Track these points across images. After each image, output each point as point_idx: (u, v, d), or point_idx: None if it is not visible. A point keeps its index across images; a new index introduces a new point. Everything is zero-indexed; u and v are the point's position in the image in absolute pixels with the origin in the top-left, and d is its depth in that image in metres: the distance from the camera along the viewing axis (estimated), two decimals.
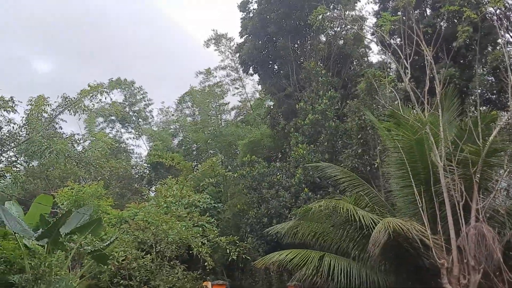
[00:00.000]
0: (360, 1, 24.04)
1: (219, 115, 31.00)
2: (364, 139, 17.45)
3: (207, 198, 16.80)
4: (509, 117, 10.53)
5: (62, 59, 56.13)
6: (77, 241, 11.79)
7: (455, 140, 10.33)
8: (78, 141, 13.49)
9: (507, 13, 15.67)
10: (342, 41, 23.90)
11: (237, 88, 32.79)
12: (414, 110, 11.82)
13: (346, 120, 19.23)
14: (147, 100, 33.54)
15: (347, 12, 22.75)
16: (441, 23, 17.33)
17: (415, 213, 10.86)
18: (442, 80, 11.45)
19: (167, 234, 12.64)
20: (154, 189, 15.28)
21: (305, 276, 10.81)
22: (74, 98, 12.25)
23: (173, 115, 34.45)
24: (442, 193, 10.23)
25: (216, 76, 32.28)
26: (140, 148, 47.09)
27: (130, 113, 32.24)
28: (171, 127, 34.04)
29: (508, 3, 14.73)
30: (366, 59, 23.90)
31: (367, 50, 24.21)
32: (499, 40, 15.29)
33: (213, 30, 32.93)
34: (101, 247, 11.62)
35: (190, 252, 12.98)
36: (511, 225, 10.03)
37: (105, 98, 12.86)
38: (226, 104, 32.04)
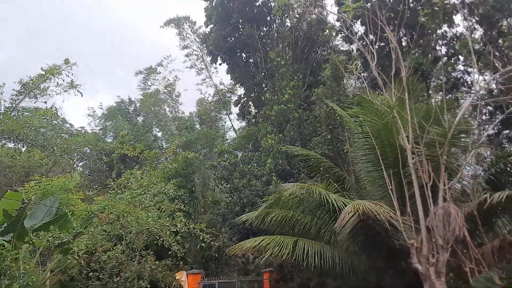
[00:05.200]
0: None
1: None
2: (332, 126, 17.63)
3: (174, 187, 16.52)
4: (473, 100, 10.84)
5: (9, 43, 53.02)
6: (45, 236, 11.43)
7: (422, 123, 10.56)
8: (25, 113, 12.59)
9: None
10: (306, 25, 23.61)
11: (204, 80, 30.84)
12: (381, 95, 11.99)
13: (315, 108, 19.36)
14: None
15: None
16: (403, 8, 17.63)
17: (385, 195, 11.05)
18: (408, 65, 11.64)
19: (133, 225, 12.46)
20: (120, 181, 14.90)
21: (280, 260, 10.87)
22: (32, 83, 11.62)
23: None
24: (411, 175, 10.44)
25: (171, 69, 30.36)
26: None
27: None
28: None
29: None
30: (331, 44, 23.80)
31: (333, 34, 24.06)
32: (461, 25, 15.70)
33: (176, 15, 29.88)
34: (69, 240, 11.32)
35: (162, 241, 12.82)
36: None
37: (63, 80, 12.19)
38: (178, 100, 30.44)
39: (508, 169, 11.22)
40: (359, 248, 11.66)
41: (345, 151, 16.47)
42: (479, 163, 15.31)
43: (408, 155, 10.51)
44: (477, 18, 16.13)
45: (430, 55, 17.38)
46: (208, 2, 25.52)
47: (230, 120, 28.61)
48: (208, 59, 28.58)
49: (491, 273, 8.65)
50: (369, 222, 10.44)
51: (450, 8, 14.61)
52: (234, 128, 28.32)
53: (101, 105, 29.98)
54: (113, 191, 14.61)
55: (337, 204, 10.17)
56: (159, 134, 30.12)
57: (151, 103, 28.76)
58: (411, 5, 17.26)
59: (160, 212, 13.39)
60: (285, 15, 21.38)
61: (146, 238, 13.02)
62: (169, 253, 13.54)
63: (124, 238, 12.85)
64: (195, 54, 30.09)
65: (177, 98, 30.13)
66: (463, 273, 9.26)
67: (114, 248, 12.70)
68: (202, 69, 30.65)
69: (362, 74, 17.84)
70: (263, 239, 11.29)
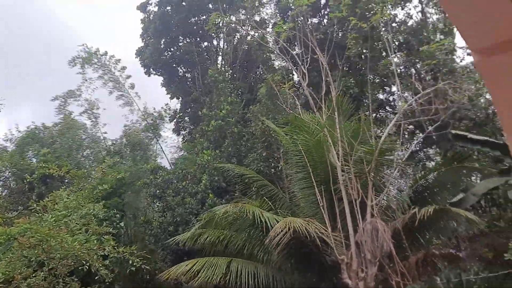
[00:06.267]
0: (264, 6, 24.43)
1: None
2: (268, 142, 17.83)
3: (103, 209, 15.63)
4: (397, 119, 11.46)
5: None
6: None
7: (351, 141, 10.96)
8: None
9: (392, 24, 17.21)
10: (247, 46, 23.93)
11: (127, 104, 26.85)
12: (312, 114, 12.33)
13: (251, 125, 19.52)
14: None
15: (251, 17, 22.99)
16: (334, 31, 18.46)
17: (317, 212, 11.28)
18: (339, 87, 12.11)
19: (56, 250, 11.60)
20: (44, 203, 13.80)
21: (215, 282, 10.64)
22: None
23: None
24: (341, 191, 10.75)
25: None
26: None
27: None
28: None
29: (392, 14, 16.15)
30: (270, 63, 24.21)
31: (271, 55, 24.44)
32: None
33: (83, 45, 24.81)
34: None
35: (89, 266, 12.06)
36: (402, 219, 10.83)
37: None
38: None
39: (429, 185, 11.92)
40: (292, 266, 11.75)
41: (280, 168, 16.67)
42: (404, 179, 16.18)
43: (338, 172, 10.84)
44: (397, 44, 17.25)
45: (358, 77, 18.27)
46: (146, 14, 25.02)
47: (159, 144, 27.18)
48: (128, 82, 26.30)
49: (415, 286, 9.04)
50: (302, 239, 10.57)
51: (374, 34, 15.49)
52: (165, 155, 27.06)
53: (17, 126, 27.18)
54: (37, 214, 13.56)
55: (270, 222, 10.18)
56: (85, 153, 28.17)
57: (69, 127, 26.56)
58: (344, 28, 18.10)
59: (87, 235, 12.61)
60: (223, 33, 21.51)
61: (72, 263, 12.17)
62: (96, 278, 12.79)
63: (46, 264, 11.91)
64: (114, 81, 27.27)
65: (96, 120, 27.57)
66: (390, 287, 9.59)
67: (34, 275, 11.73)
68: (123, 96, 26.70)
69: (298, 91, 18.35)
70: (197, 262, 11.02)
